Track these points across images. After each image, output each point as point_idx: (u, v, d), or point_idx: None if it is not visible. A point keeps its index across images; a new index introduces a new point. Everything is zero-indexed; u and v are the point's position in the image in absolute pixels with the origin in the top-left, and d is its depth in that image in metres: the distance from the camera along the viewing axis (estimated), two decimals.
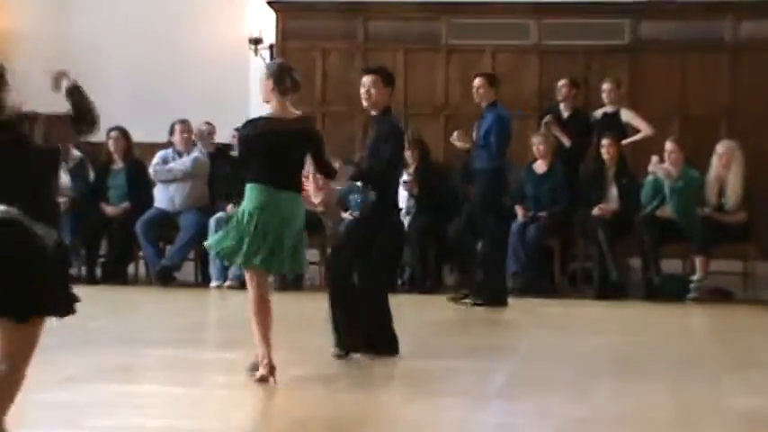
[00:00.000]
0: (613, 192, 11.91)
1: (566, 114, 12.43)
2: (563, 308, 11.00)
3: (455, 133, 11.01)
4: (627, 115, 12.35)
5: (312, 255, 10.33)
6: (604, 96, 12.36)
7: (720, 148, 11.71)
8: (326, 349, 7.71)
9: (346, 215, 11.47)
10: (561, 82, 12.43)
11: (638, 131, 12.24)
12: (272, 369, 6.85)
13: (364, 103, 7.91)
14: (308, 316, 9.42)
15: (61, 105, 4.52)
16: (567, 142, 12.25)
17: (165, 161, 12.36)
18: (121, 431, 5.88)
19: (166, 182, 12.31)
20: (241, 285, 11.64)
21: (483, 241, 10.96)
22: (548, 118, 12.21)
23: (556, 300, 11.39)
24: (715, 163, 11.67)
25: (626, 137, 12.20)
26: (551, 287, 11.79)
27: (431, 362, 7.85)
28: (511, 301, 10.90)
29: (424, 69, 13.69)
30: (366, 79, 7.89)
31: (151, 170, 12.38)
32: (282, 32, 13.87)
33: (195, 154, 12.42)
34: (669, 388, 7.11)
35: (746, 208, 11.57)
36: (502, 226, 11.06)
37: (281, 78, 7.11)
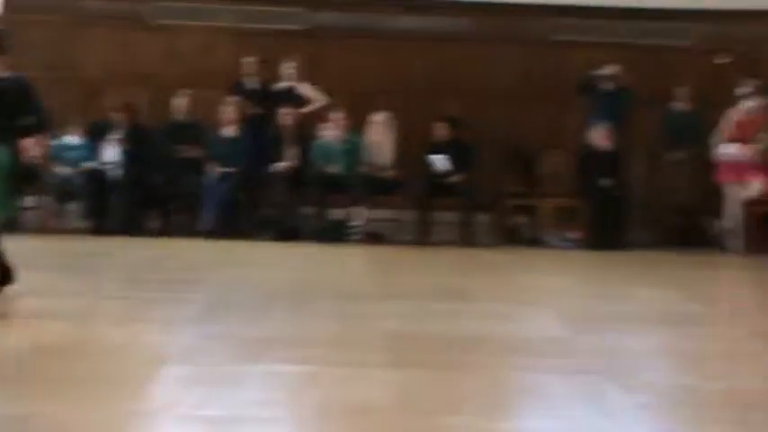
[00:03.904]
0: (292, 152, 11.97)
1: (254, 87, 12.39)
2: (249, 248, 11.00)
3: None
4: (305, 88, 12.42)
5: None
6: (287, 72, 12.38)
7: (377, 117, 11.99)
8: None
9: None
10: (250, 59, 12.37)
11: (313, 102, 12.34)
12: None
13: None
14: None
15: None
16: (254, 110, 12.23)
17: None
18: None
19: None
20: None
21: None
22: (237, 98, 12.12)
23: (243, 241, 11.36)
24: (373, 130, 11.92)
25: (303, 106, 12.27)
26: (240, 230, 11.77)
27: (133, 293, 7.72)
28: (205, 242, 10.84)
29: (131, 46, 13.34)
30: None
31: None
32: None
33: None
34: (332, 313, 7.23)
35: (397, 167, 11.89)
36: None
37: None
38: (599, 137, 12.20)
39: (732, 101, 12.12)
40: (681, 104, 12.81)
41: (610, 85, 12.54)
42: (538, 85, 13.33)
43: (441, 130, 12.20)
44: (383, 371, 5.69)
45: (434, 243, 11.65)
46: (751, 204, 11.81)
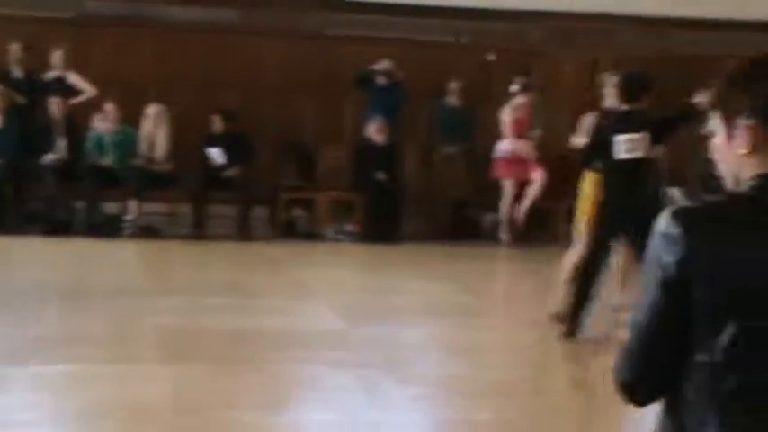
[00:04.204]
0: (62, 143, 11.61)
1: (20, 75, 11.92)
2: (16, 244, 10.57)
3: None
4: (74, 78, 12.04)
5: None
6: (55, 61, 11.97)
7: (151, 110, 11.78)
8: None
9: None
10: (15, 46, 11.88)
11: (84, 92, 11.97)
12: None
13: None
14: None
15: None
16: (20, 100, 11.78)
17: None
18: None
19: None
20: None
21: None
22: (2, 87, 11.62)
23: (10, 237, 10.89)
24: (146, 122, 11.72)
25: (74, 96, 11.90)
26: (6, 225, 11.27)
27: None
28: None
29: None
30: None
31: None
32: None
33: None
34: (104, 310, 7.04)
35: (171, 160, 11.72)
36: None
37: None
38: (374, 131, 12.35)
39: (501, 97, 12.49)
40: (453, 100, 13.10)
41: (384, 80, 12.70)
42: (312, 78, 13.33)
43: (216, 123, 12.06)
44: (157, 367, 5.58)
45: (210, 237, 11.51)
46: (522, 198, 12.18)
